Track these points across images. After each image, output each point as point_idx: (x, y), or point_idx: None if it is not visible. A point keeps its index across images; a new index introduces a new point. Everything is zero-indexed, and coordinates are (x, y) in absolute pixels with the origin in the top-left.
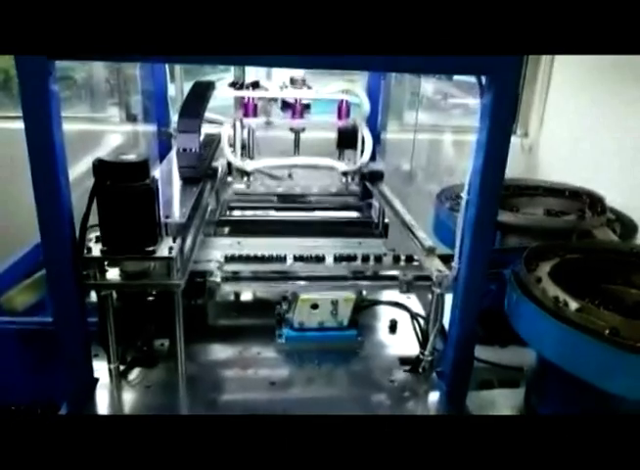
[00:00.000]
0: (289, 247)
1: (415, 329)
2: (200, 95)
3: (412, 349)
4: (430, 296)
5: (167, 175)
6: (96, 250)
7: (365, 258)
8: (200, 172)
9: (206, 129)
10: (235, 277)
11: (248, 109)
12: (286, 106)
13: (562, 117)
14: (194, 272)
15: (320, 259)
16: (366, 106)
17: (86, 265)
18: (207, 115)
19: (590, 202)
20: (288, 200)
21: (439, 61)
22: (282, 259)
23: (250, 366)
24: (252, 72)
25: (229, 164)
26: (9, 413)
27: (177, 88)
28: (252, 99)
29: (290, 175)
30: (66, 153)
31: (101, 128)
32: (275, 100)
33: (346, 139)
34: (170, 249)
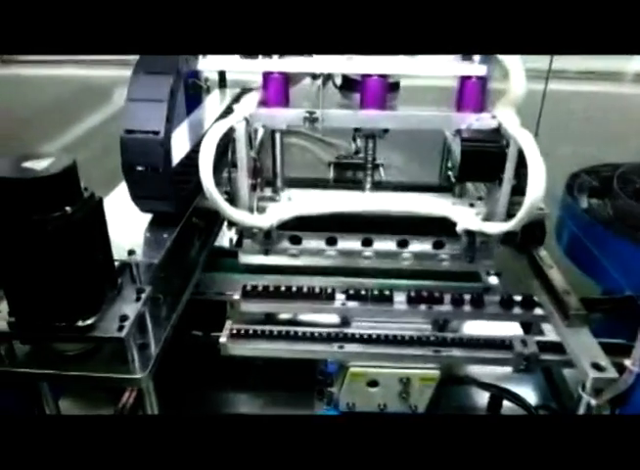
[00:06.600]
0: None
1: None
2: None
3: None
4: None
5: None
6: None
7: (457, 300)
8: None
9: None
10: (251, 334)
11: (271, 91)
12: (349, 85)
13: None
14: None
15: (386, 299)
16: (519, 86)
17: None
18: None
19: None
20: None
21: None
22: (329, 296)
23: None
24: None
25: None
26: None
27: None
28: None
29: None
30: None
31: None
32: (329, 77)
33: (479, 162)
34: (123, 319)
